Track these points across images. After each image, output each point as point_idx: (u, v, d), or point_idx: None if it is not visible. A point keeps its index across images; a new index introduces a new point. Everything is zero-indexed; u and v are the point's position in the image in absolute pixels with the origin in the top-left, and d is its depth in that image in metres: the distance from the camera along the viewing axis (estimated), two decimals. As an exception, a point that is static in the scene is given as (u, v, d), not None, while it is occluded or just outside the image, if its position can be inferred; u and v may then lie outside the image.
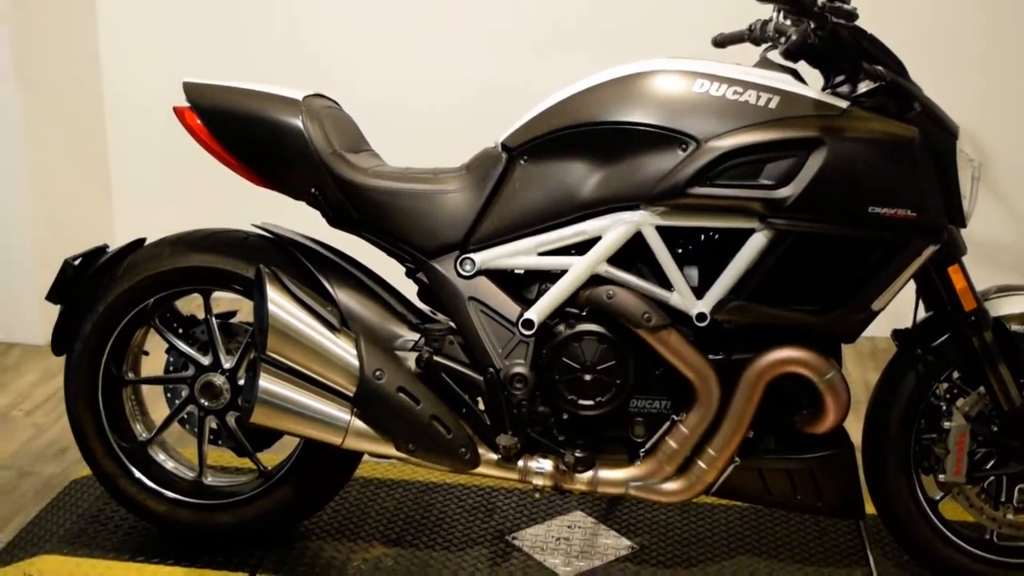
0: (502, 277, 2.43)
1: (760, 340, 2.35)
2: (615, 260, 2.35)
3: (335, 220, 2.48)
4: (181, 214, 3.36)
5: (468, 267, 2.42)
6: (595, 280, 2.36)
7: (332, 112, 2.56)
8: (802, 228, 2.23)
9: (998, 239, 4.18)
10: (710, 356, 2.37)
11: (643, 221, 2.31)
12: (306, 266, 2.50)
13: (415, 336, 2.48)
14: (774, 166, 2.23)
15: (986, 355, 2.36)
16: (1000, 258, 4.19)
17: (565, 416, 2.42)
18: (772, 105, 2.26)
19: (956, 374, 2.47)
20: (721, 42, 2.71)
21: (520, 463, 2.44)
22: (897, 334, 2.50)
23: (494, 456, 2.43)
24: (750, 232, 2.28)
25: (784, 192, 2.22)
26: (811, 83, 2.36)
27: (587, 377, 2.37)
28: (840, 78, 2.34)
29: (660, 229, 2.32)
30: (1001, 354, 2.37)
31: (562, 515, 2.81)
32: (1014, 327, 2.38)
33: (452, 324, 2.45)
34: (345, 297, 2.48)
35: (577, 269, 2.36)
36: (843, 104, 2.26)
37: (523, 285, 2.45)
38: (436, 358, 2.43)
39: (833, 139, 2.21)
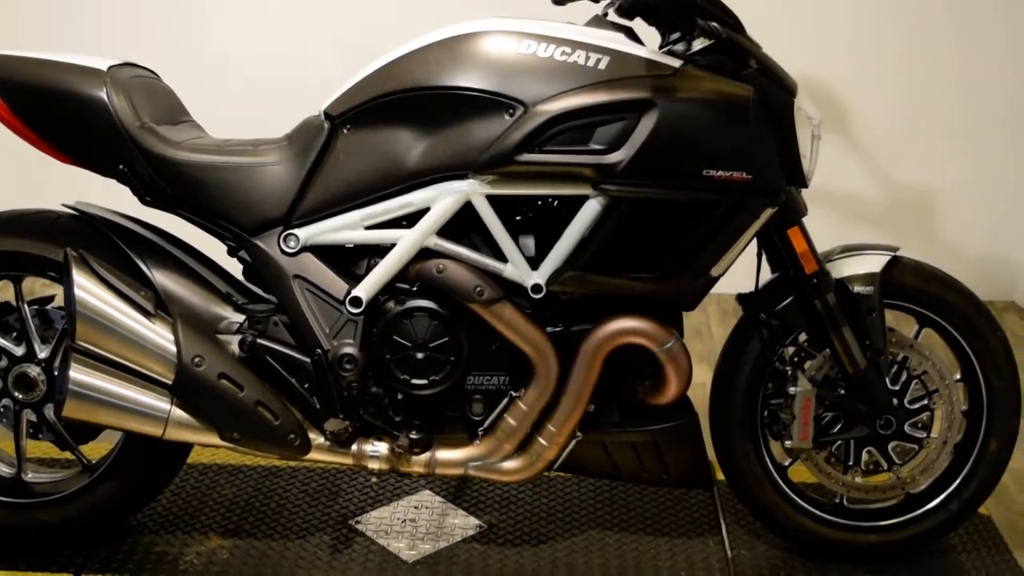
0: (329, 253, 2.30)
1: (599, 311, 2.27)
2: (446, 232, 2.23)
3: (148, 197, 2.32)
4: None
5: (292, 243, 2.28)
6: (425, 254, 2.24)
7: (144, 82, 2.39)
8: (635, 194, 2.14)
9: (861, 192, 4.17)
10: (548, 329, 2.28)
11: (472, 191, 2.19)
12: (121, 248, 2.34)
13: (240, 318, 2.34)
14: (605, 130, 2.13)
15: (829, 318, 2.31)
16: (865, 212, 4.19)
17: (399, 396, 2.31)
18: (602, 66, 2.15)
19: (803, 337, 2.42)
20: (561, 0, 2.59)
21: (354, 447, 2.32)
22: (741, 298, 2.43)
23: (326, 441, 2.31)
24: (584, 199, 2.18)
25: (615, 157, 2.12)
26: (650, 42, 2.26)
27: (419, 355, 2.26)
28: (675, 36, 2.24)
29: (491, 198, 2.20)
30: (844, 317, 2.31)
31: (410, 495, 2.71)
32: (857, 289, 2.32)
33: (278, 304, 2.32)
34: (163, 279, 2.33)
35: (405, 243, 2.24)
36: (676, 63, 2.17)
37: (352, 261, 2.32)
38: (260, 340, 2.29)
39: (664, 100, 2.11)
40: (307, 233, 2.28)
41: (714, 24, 2.15)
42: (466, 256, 2.23)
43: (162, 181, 2.27)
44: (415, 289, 2.27)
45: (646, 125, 2.11)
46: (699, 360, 3.47)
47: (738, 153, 2.13)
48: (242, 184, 2.29)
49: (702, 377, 2.61)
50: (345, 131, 2.25)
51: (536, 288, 2.22)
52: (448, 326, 2.25)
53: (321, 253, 2.29)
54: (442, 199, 2.21)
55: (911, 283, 2.37)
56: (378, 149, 2.24)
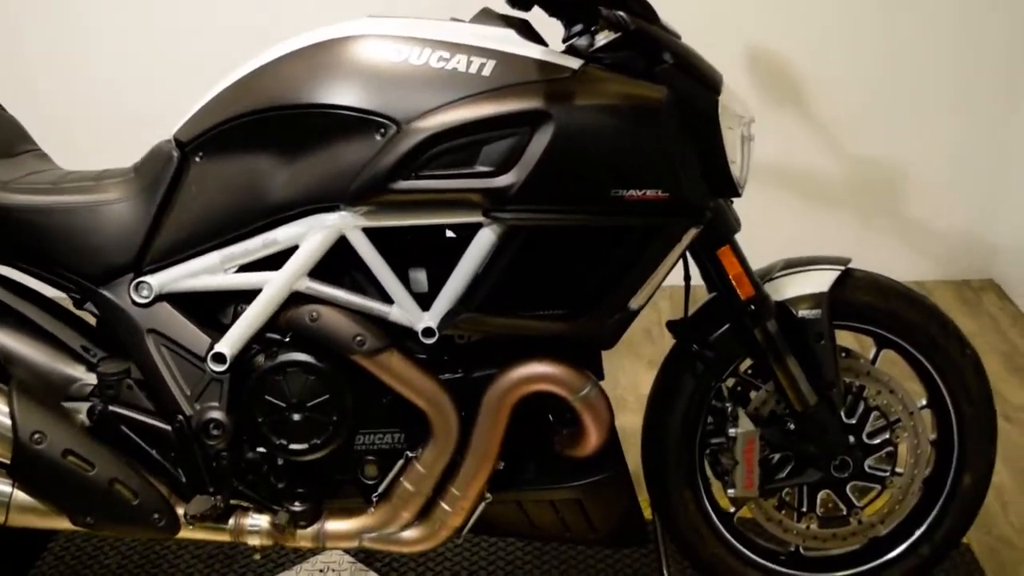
0: (190, 302, 1.98)
1: (505, 353, 1.95)
2: (319, 273, 1.91)
3: None
4: None
5: (145, 292, 1.96)
6: (297, 299, 1.92)
7: None
8: (531, 221, 1.82)
9: (827, 170, 3.85)
10: (447, 376, 1.97)
11: (345, 224, 1.87)
12: None
13: (95, 379, 2.02)
14: (492, 148, 1.80)
15: (771, 349, 1.99)
16: (832, 191, 3.87)
17: (279, 462, 2.00)
18: (485, 72, 1.82)
19: (745, 365, 2.11)
20: None
21: (231, 521, 2.01)
22: (671, 325, 2.12)
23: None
24: (478, 228, 1.86)
25: (505, 180, 1.79)
26: (555, 36, 1.94)
27: (296, 416, 1.94)
28: (577, 28, 1.91)
29: (370, 231, 1.88)
30: (789, 346, 2.00)
31: (317, 555, 2.41)
32: (802, 313, 2.00)
33: (132, 364, 2.00)
34: (1, 338, 2.01)
35: (271, 288, 1.91)
36: (575, 64, 1.84)
37: (218, 309, 2.00)
38: (112, 408, 1.97)
39: (560, 110, 1.78)
40: (160, 280, 1.95)
41: (620, 14, 1.83)
42: (344, 300, 1.91)
43: None
44: (287, 340, 1.95)
45: (539, 141, 1.78)
46: (650, 366, 3.18)
47: (650, 167, 1.80)
48: (82, 227, 1.96)
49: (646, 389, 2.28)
50: (197, 159, 1.93)
51: (428, 332, 1.91)
52: (327, 381, 1.94)
53: (180, 302, 1.97)
54: (311, 236, 1.89)
55: (865, 300, 2.06)
56: (235, 180, 1.91)
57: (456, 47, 1.84)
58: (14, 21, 3.72)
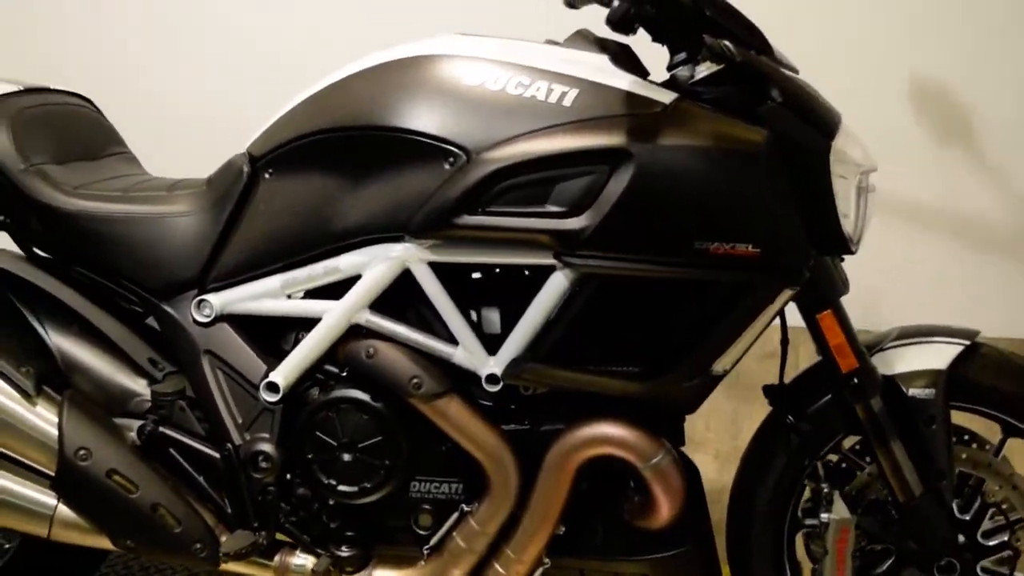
0: (252, 325, 1.88)
1: (576, 409, 1.79)
2: (382, 306, 1.79)
3: (39, 252, 1.95)
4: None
5: (206, 311, 1.87)
6: (356, 332, 1.81)
7: (49, 112, 2.02)
8: (605, 269, 1.65)
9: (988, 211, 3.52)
10: (512, 427, 1.82)
11: (409, 256, 1.74)
12: (12, 303, 1.97)
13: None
14: (567, 187, 1.64)
15: (873, 429, 1.77)
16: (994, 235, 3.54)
17: (331, 502, 1.88)
18: (566, 102, 1.66)
19: (852, 442, 1.88)
20: (572, 2, 2.10)
21: (277, 558, 1.91)
22: (768, 391, 1.91)
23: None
24: (552, 270, 1.70)
25: (577, 222, 1.63)
26: (657, 64, 1.77)
27: (346, 456, 1.82)
28: (681, 57, 1.73)
29: (436, 265, 1.75)
30: (895, 428, 1.77)
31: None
32: (912, 392, 1.77)
33: (187, 384, 1.92)
34: (64, 345, 1.96)
35: (330, 318, 1.80)
36: (667, 98, 1.66)
37: (280, 335, 1.90)
38: (162, 429, 1.90)
39: (642, 149, 1.61)
40: (223, 299, 1.87)
41: (726, 43, 1.64)
42: (405, 337, 1.78)
43: (52, 234, 1.90)
44: (344, 375, 1.84)
45: (618, 182, 1.62)
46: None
47: (742, 219, 1.61)
48: (148, 238, 1.89)
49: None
50: (267, 176, 1.83)
51: (492, 379, 1.76)
52: (382, 422, 1.81)
53: (242, 325, 1.88)
54: (374, 266, 1.76)
55: (991, 381, 1.81)
56: (302, 200, 1.81)
57: (538, 73, 1.69)
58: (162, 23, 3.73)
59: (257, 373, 1.85)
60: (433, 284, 1.75)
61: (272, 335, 1.89)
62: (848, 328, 1.75)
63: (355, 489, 1.83)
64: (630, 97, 1.66)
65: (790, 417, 1.84)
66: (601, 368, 1.72)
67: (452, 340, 1.77)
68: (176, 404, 1.90)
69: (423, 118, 1.70)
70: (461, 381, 1.79)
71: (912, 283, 3.55)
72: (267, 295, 1.84)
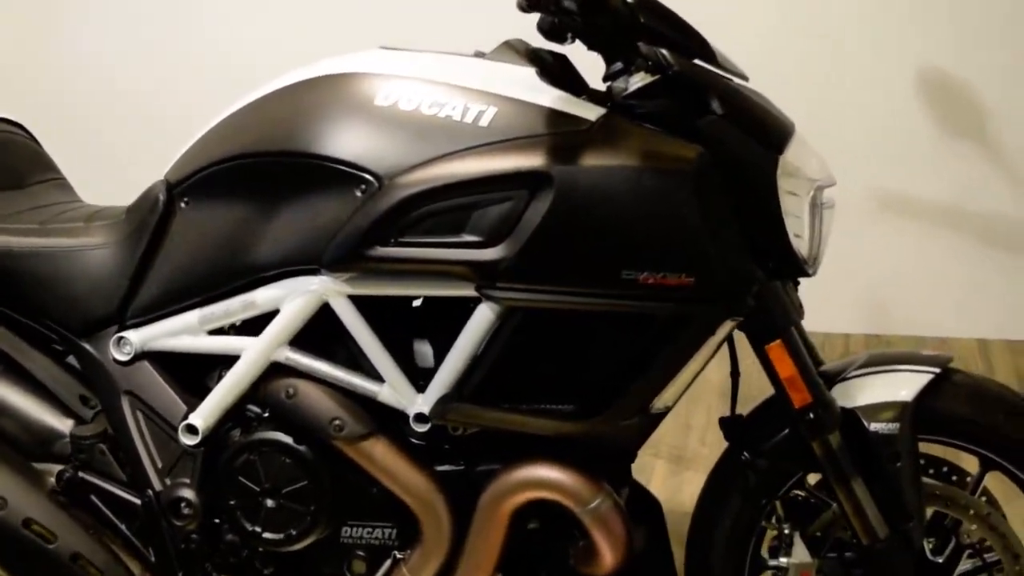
0: (175, 363, 1.78)
1: (513, 448, 1.66)
2: (307, 342, 1.68)
3: None
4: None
5: (126, 349, 1.77)
6: (279, 370, 1.69)
7: None
8: (526, 302, 1.53)
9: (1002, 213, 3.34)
10: (446, 468, 1.70)
11: (327, 290, 1.63)
12: None
13: None
14: (484, 214, 1.52)
15: (832, 467, 1.62)
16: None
17: (261, 549, 1.77)
18: (483, 122, 1.54)
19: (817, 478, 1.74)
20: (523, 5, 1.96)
21: (214, 607, 1.81)
22: (724, 424, 1.77)
23: None
24: (479, 301, 1.58)
25: (494, 252, 1.51)
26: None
27: (270, 503, 1.71)
28: (617, 67, 1.59)
29: (360, 298, 1.63)
30: (855, 465, 1.62)
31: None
32: (875, 425, 1.62)
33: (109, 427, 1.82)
34: None
35: (249, 356, 1.69)
36: (594, 115, 1.53)
37: (205, 373, 1.80)
38: (82, 474, 1.80)
39: (564, 172, 1.48)
40: (142, 336, 1.76)
41: (662, 52, 1.51)
42: (327, 374, 1.67)
43: None
44: (266, 416, 1.73)
45: (538, 208, 1.49)
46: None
47: (672, 246, 1.48)
48: (64, 274, 1.79)
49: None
50: (183, 205, 1.72)
51: (420, 418, 1.64)
52: (306, 466, 1.69)
53: (164, 362, 1.77)
54: (291, 300, 1.65)
55: (963, 412, 1.66)
56: (219, 231, 1.70)
57: (456, 91, 1.56)
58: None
59: (177, 414, 1.74)
60: (354, 318, 1.63)
61: (197, 374, 1.79)
62: (801, 358, 1.61)
63: (281, 536, 1.72)
64: (552, 115, 1.53)
65: (745, 453, 1.70)
66: (532, 407, 1.60)
67: (378, 378, 1.66)
68: (96, 448, 1.80)
69: (334, 142, 1.59)
70: (391, 420, 1.67)
71: (924, 284, 3.39)
72: (186, 331, 1.74)
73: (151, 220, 1.74)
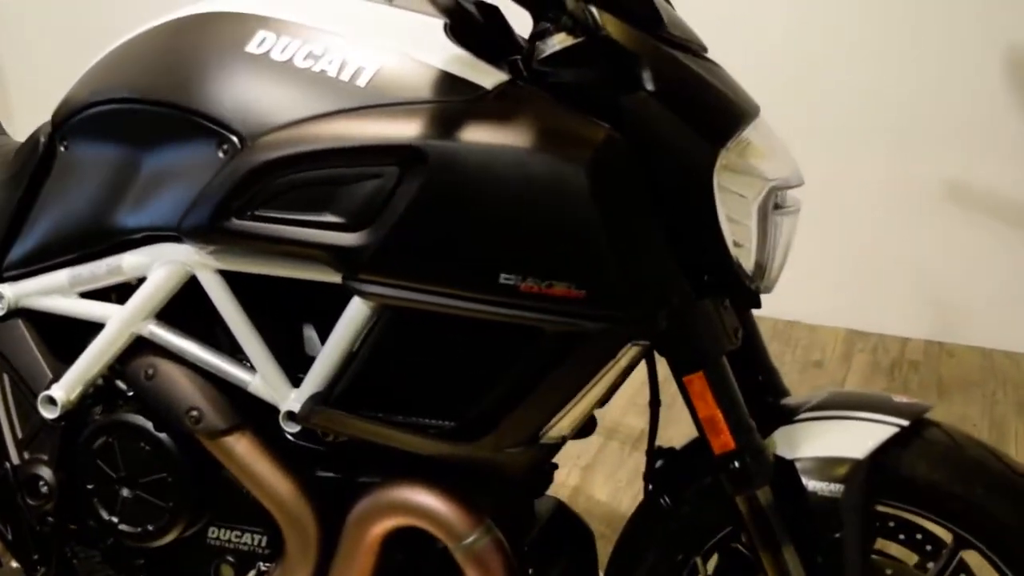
0: (53, 325, 1.59)
1: (401, 461, 1.43)
2: (173, 316, 1.47)
3: None
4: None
5: (0, 302, 1.59)
6: (143, 346, 1.49)
7: None
8: (393, 300, 1.28)
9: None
10: (327, 474, 1.48)
11: (192, 262, 1.41)
12: None
13: None
14: (350, 192, 1.28)
15: (758, 529, 1.34)
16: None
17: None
18: (361, 81, 1.29)
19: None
20: None
21: (65, 596, 1.64)
22: (648, 463, 1.49)
23: None
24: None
25: (356, 238, 1.27)
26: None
27: (126, 492, 1.52)
28: (543, 26, 1.32)
29: (231, 274, 1.41)
30: (787, 530, 1.34)
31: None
32: (814, 485, 1.33)
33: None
34: None
35: (111, 326, 1.49)
36: (490, 82, 1.27)
37: (83, 339, 1.60)
38: None
39: (440, 148, 1.23)
40: (16, 291, 1.58)
41: (591, 10, 1.24)
42: (195, 356, 1.46)
43: None
44: (131, 395, 1.53)
45: (407, 189, 1.24)
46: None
47: (561, 250, 1.22)
48: None
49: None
50: (62, 148, 1.53)
51: (291, 416, 1.42)
52: (166, 457, 1.49)
53: (40, 323, 1.59)
54: (156, 269, 1.44)
55: (932, 478, 1.35)
56: (91, 182, 1.50)
57: (337, 41, 1.32)
58: None
59: (42, 383, 1.56)
60: (222, 296, 1.42)
61: (74, 341, 1.60)
62: (726, 395, 1.32)
63: (138, 531, 1.53)
64: (441, 78, 1.27)
65: (665, 498, 1.43)
66: (408, 420, 1.35)
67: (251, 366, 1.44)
68: None
69: (198, 93, 1.36)
70: (270, 414, 1.46)
71: (1000, 291, 3.01)
72: (56, 291, 1.55)
73: (31, 163, 1.55)
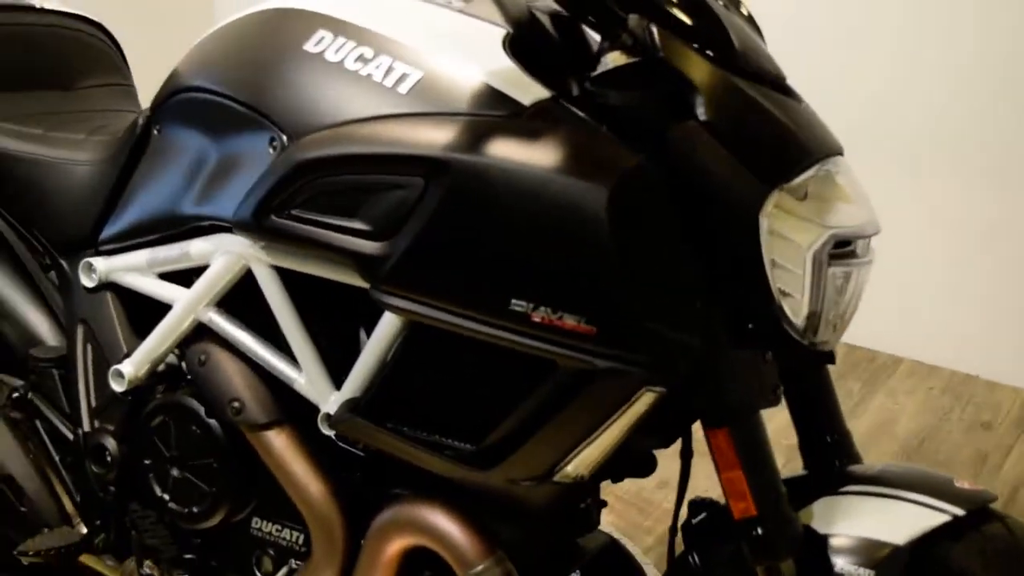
0: (139, 301, 1.64)
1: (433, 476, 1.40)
2: (237, 307, 1.48)
3: None
4: None
5: (93, 275, 1.65)
6: (203, 332, 1.51)
7: (25, 32, 1.87)
8: (411, 314, 1.25)
9: None
10: (359, 479, 1.46)
11: (248, 254, 1.42)
12: None
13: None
14: (380, 200, 1.25)
15: (777, 605, 1.23)
16: None
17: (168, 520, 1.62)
18: (403, 88, 1.26)
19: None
20: None
21: (129, 562, 1.68)
22: (689, 515, 1.40)
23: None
24: None
25: (379, 247, 1.24)
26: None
27: (175, 472, 1.55)
28: (604, 45, 1.26)
29: (286, 270, 1.42)
30: (809, 610, 1.22)
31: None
32: (845, 566, 1.21)
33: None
34: None
35: (176, 309, 1.53)
36: (530, 98, 1.21)
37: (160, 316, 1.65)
38: (31, 396, 1.71)
39: (464, 164, 1.18)
40: (108, 266, 1.64)
41: (652, 29, 1.18)
42: (247, 348, 1.47)
43: None
44: (190, 379, 1.55)
45: (429, 202, 1.20)
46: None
47: (573, 281, 1.15)
48: (53, 186, 1.71)
49: None
50: (155, 132, 1.58)
51: (327, 420, 1.41)
52: (213, 442, 1.51)
53: (127, 298, 1.64)
54: (217, 258, 1.46)
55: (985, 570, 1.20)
56: (174, 167, 1.54)
57: (390, 44, 1.30)
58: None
59: (117, 355, 1.61)
60: (276, 292, 1.42)
61: (156, 318, 1.64)
62: (753, 457, 1.22)
63: (184, 511, 1.55)
64: (482, 91, 1.23)
65: (694, 556, 1.34)
66: (430, 439, 1.32)
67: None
68: (49, 372, 1.71)
69: (255, 87, 1.38)
70: (315, 413, 1.45)
71: None
72: (136, 269, 1.60)
73: (129, 142, 1.61)
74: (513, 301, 1.17)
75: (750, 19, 1.35)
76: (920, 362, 2.85)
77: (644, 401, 1.19)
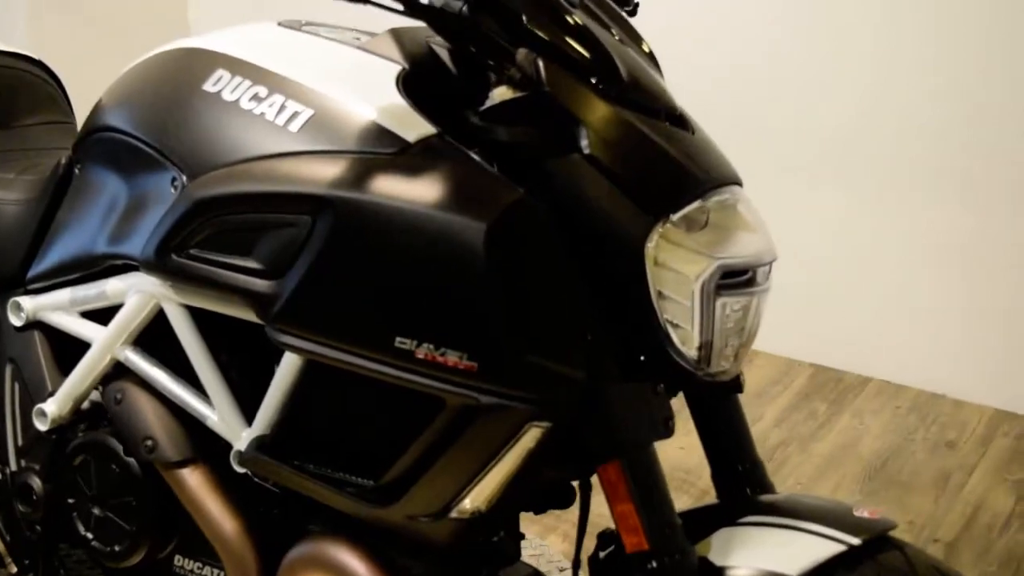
0: (67, 340, 1.65)
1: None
2: (155, 345, 1.49)
3: None
4: None
5: (21, 315, 1.66)
6: (124, 371, 1.52)
7: None
8: (303, 353, 1.25)
9: None
10: (273, 516, 1.46)
11: (160, 293, 1.43)
12: None
13: None
14: (272, 238, 1.26)
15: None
16: None
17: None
18: (294, 127, 1.27)
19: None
20: None
21: (59, 606, 1.69)
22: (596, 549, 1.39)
23: None
24: None
25: (269, 286, 1.25)
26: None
27: (97, 511, 1.55)
28: (493, 79, 1.27)
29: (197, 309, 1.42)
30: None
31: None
32: (740, 603, 1.20)
33: None
34: None
35: (94, 348, 1.54)
36: (415, 135, 1.22)
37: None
38: None
39: (347, 203, 1.19)
40: (34, 305, 1.65)
41: (540, 64, 1.18)
42: (162, 386, 1.47)
43: None
44: (110, 417, 1.56)
45: (315, 242, 1.21)
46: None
47: (453, 318, 1.15)
48: None
49: None
50: (77, 170, 1.59)
51: (239, 457, 1.41)
52: (131, 481, 1.52)
53: (55, 337, 1.65)
54: (131, 297, 1.47)
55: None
56: (90, 206, 1.55)
57: (285, 84, 1.30)
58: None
59: (42, 394, 1.62)
60: (185, 329, 1.43)
61: (80, 357, 1.65)
62: (645, 490, 1.21)
63: (107, 550, 1.56)
64: (369, 129, 1.23)
65: (595, 589, 1.33)
66: (331, 475, 1.32)
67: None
68: None
69: (156, 127, 1.40)
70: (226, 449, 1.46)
71: None
72: (60, 307, 1.60)
73: (52, 181, 1.62)
74: (398, 339, 1.17)
75: (650, 55, 1.36)
76: (888, 381, 2.83)
77: (531, 436, 1.19)
